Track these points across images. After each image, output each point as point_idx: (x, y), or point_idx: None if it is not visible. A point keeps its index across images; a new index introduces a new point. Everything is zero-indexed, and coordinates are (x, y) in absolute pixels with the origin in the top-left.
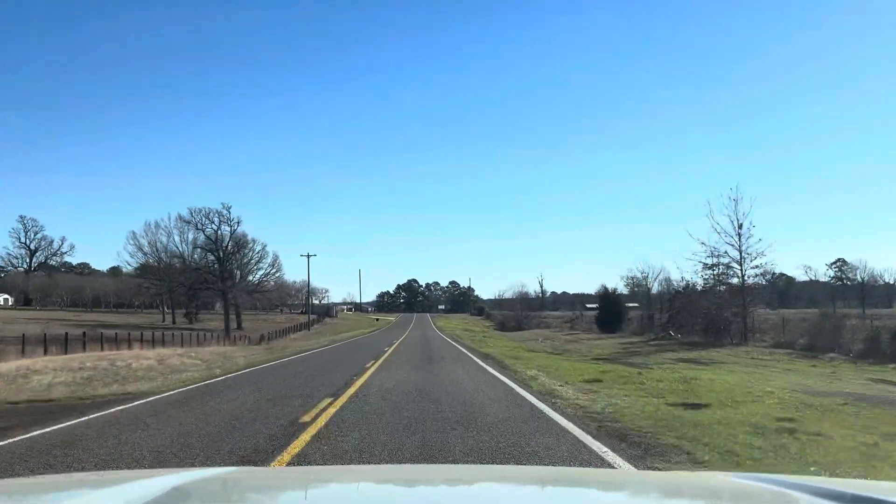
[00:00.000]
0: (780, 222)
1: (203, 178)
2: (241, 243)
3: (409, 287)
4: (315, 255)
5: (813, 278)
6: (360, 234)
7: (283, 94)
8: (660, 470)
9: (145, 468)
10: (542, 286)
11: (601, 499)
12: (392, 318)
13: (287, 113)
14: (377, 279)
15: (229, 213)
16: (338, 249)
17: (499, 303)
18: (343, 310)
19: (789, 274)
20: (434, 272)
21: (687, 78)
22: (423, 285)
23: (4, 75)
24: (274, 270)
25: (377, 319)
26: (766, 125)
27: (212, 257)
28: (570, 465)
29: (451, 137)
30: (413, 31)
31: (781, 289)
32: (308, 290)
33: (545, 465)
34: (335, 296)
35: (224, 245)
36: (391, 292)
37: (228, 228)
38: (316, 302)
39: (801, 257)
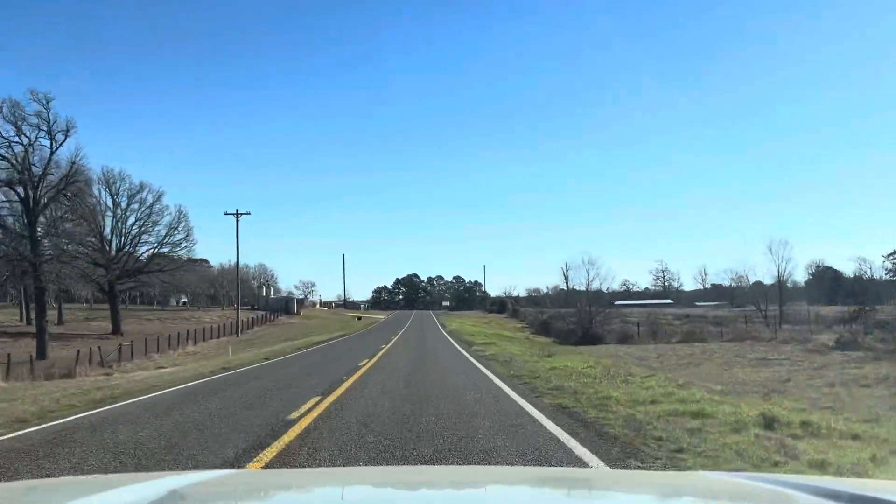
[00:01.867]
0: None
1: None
2: (76, 174)
3: (410, 282)
4: (248, 214)
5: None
6: (354, 231)
7: (279, 87)
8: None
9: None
10: (567, 279)
11: (600, 499)
12: (381, 315)
13: (281, 107)
14: (375, 276)
15: (48, 111)
16: (331, 246)
17: (514, 300)
18: (316, 304)
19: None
20: (435, 271)
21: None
22: (425, 280)
23: None
24: (181, 236)
25: (358, 318)
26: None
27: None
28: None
29: (447, 135)
30: (415, 23)
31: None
32: (237, 270)
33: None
34: (328, 293)
35: (34, 175)
36: (389, 287)
37: (48, 143)
38: (290, 294)
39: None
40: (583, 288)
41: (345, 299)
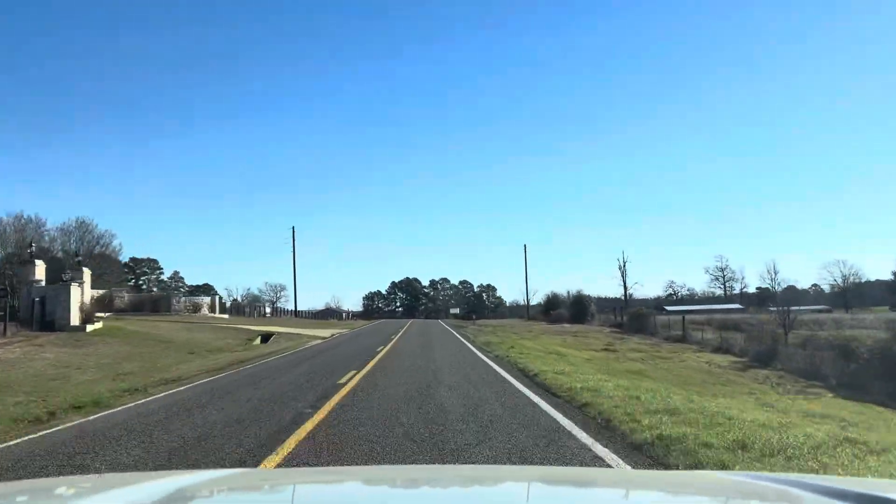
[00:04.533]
0: None
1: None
2: None
3: (409, 286)
4: None
5: None
6: (351, 234)
7: (281, 87)
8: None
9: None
10: (624, 278)
11: (603, 498)
12: (329, 332)
13: (280, 107)
14: (374, 282)
15: None
16: (325, 250)
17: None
18: (201, 308)
19: None
20: (437, 276)
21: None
22: (427, 284)
23: None
24: None
25: (262, 339)
26: None
27: None
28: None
29: (449, 135)
30: (426, 32)
31: None
32: None
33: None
34: (317, 300)
35: None
36: (383, 293)
37: None
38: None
39: None
40: None
41: (295, 303)
